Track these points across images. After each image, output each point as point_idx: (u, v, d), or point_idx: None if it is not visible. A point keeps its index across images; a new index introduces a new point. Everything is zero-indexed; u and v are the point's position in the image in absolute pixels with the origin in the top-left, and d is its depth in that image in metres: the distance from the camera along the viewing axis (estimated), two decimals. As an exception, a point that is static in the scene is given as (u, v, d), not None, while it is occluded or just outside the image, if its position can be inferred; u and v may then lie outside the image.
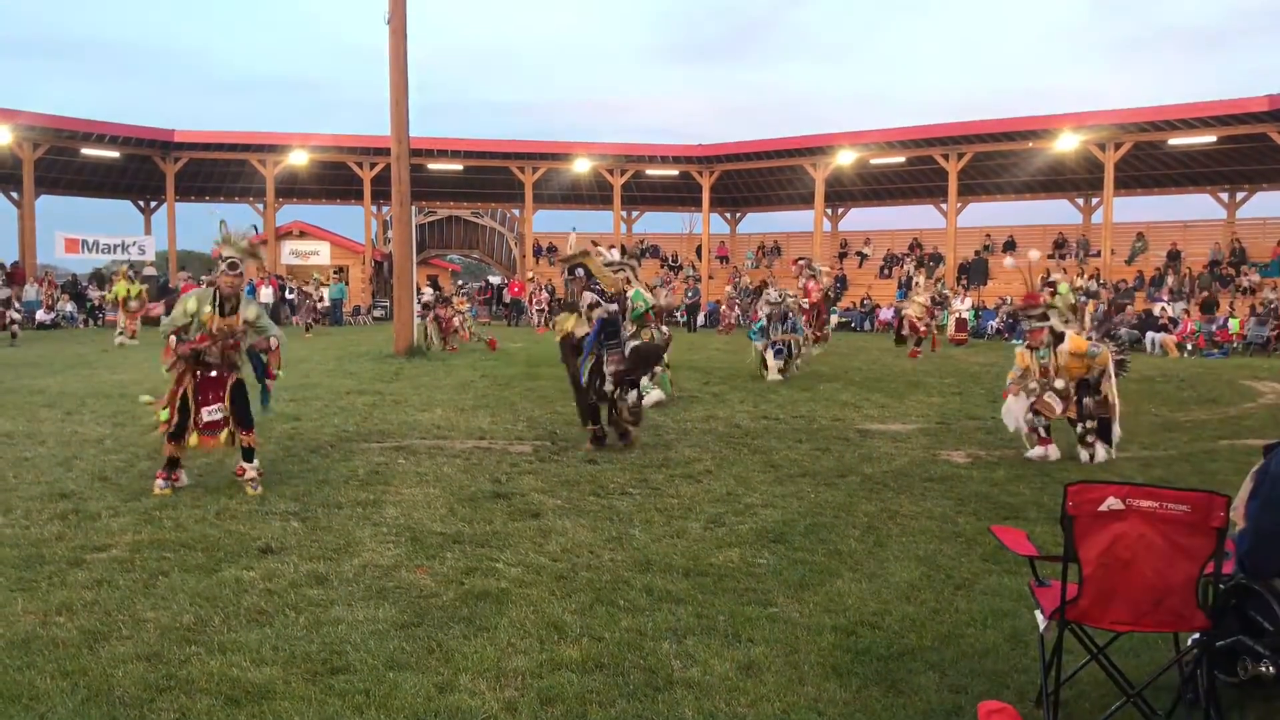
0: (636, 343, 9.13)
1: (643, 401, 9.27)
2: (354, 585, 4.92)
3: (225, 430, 7.06)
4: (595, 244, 9.77)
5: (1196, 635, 3.37)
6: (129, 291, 22.16)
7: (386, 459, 8.20)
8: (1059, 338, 8.49)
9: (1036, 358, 8.58)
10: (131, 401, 11.39)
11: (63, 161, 34.13)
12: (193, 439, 6.99)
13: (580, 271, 9.28)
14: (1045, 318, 8.56)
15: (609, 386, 8.79)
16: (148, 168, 35.56)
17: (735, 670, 3.92)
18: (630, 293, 10.33)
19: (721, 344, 22.95)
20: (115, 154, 33.88)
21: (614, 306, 8.99)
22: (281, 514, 6.31)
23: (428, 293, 22.37)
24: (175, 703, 3.59)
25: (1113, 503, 3.18)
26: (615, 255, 11.01)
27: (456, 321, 21.20)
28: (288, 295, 32.55)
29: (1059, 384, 8.42)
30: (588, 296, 8.99)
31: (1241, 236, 30.62)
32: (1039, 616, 3.55)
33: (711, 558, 5.45)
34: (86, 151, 33.20)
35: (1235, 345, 23.65)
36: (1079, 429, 8.53)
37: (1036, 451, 8.55)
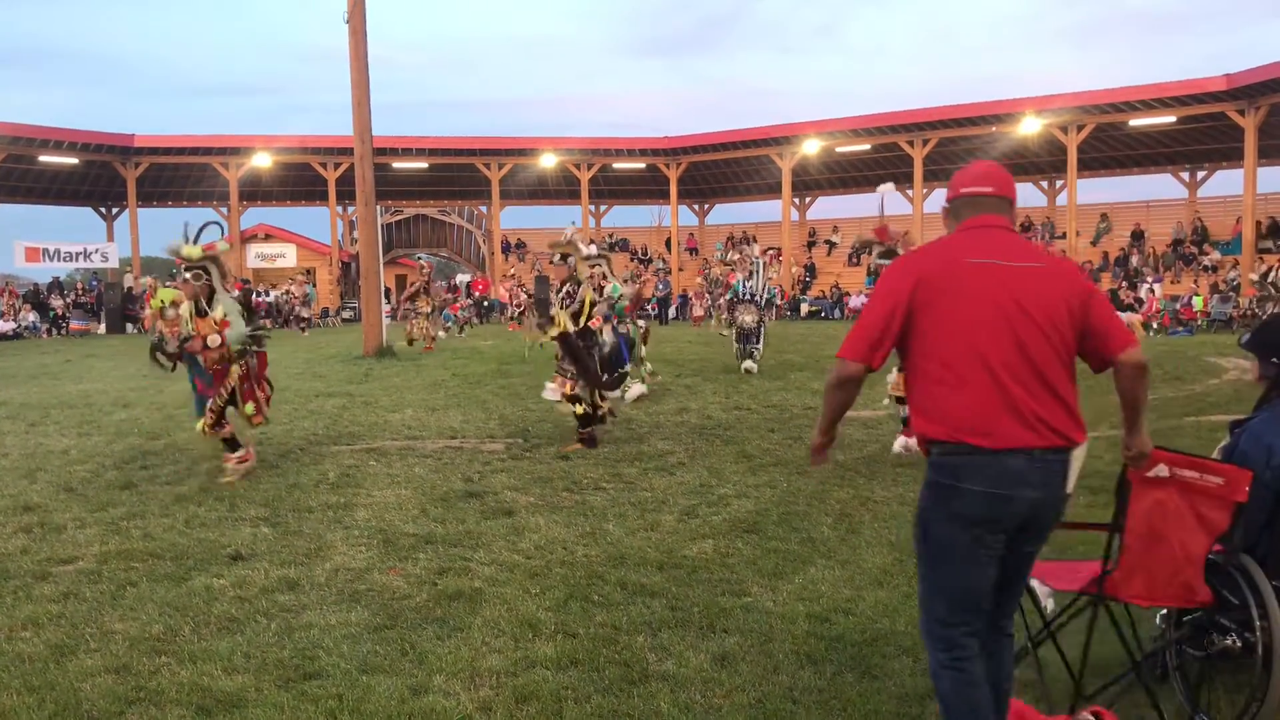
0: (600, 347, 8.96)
1: (624, 397, 9.23)
2: (326, 589, 4.88)
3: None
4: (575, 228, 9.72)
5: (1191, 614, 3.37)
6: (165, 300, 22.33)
7: (357, 461, 8.15)
8: None
9: None
10: (98, 411, 11.26)
11: (20, 169, 33.61)
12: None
13: (572, 260, 9.13)
14: (893, 254, 8.11)
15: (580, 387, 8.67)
16: (108, 173, 35.09)
17: (710, 661, 3.92)
18: (608, 288, 10.31)
19: (694, 336, 22.96)
20: (74, 160, 33.40)
21: (603, 306, 9.01)
22: (251, 520, 6.25)
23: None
24: (145, 715, 3.55)
25: (1161, 469, 3.11)
26: (594, 249, 10.93)
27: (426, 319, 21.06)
28: (254, 299, 32.35)
29: None
30: (599, 304, 8.93)
31: (1203, 215, 31.01)
32: (1039, 588, 3.43)
33: (685, 550, 5.46)
34: (45, 158, 32.70)
35: (1200, 323, 23.99)
36: None
37: (901, 444, 8.10)
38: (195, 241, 7.36)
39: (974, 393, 2.75)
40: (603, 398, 8.88)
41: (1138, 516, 3.12)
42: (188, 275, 7.30)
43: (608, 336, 9.29)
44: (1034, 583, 3.39)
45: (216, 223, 7.65)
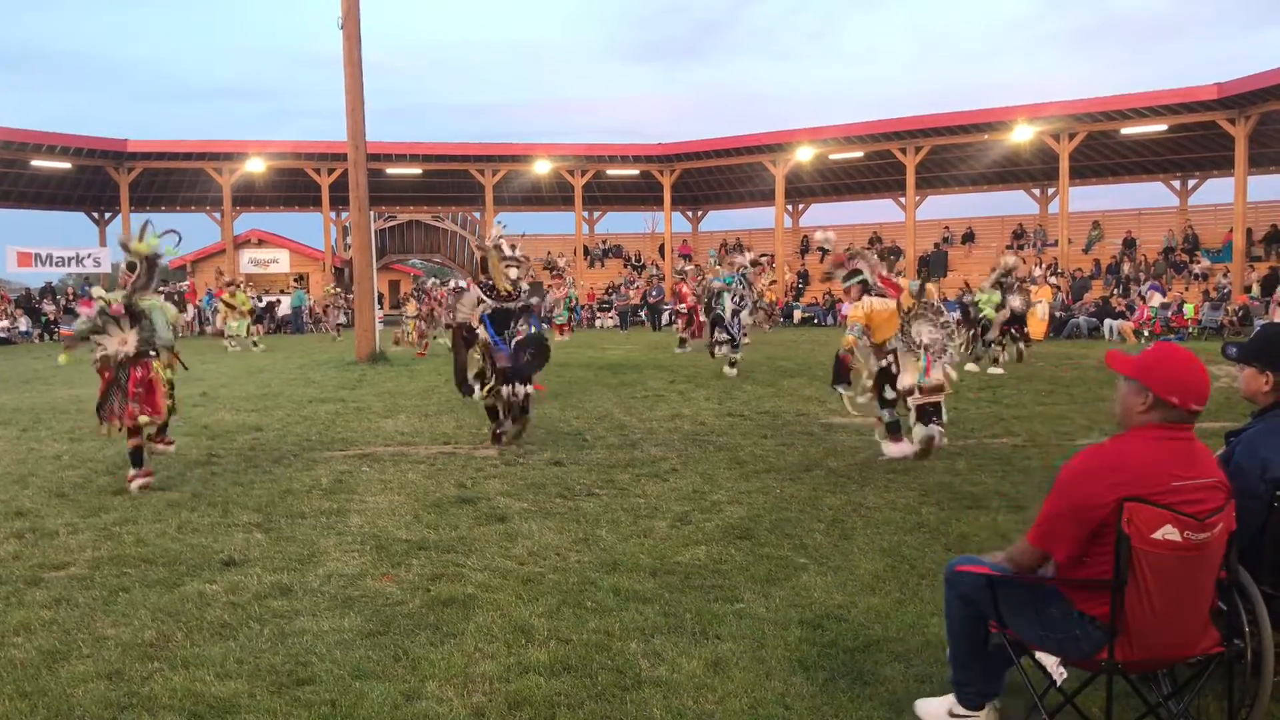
0: (519, 338, 8.98)
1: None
2: (319, 595, 4.87)
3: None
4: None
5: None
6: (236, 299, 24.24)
7: (350, 467, 8.14)
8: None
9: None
10: (90, 417, 11.23)
11: (13, 174, 33.57)
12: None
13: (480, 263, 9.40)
14: (858, 272, 8.42)
15: (502, 383, 8.88)
16: (101, 178, 35.05)
17: (703, 668, 3.93)
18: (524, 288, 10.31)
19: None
20: (67, 165, 33.34)
21: (514, 303, 9.09)
22: (244, 525, 6.25)
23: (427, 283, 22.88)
24: (138, 720, 3.55)
25: (1169, 531, 2.85)
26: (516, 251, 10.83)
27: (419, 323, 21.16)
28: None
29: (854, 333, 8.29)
30: (474, 292, 9.07)
31: (1194, 223, 31.15)
32: (1049, 663, 3.19)
33: (678, 556, 5.46)
34: (37, 163, 32.64)
35: (1191, 330, 24.09)
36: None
37: (893, 449, 8.15)
38: (142, 239, 7.59)
39: None
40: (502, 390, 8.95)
41: (1145, 574, 2.85)
42: (132, 270, 7.50)
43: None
44: (1040, 655, 3.21)
45: (173, 230, 7.93)
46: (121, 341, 7.36)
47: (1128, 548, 2.83)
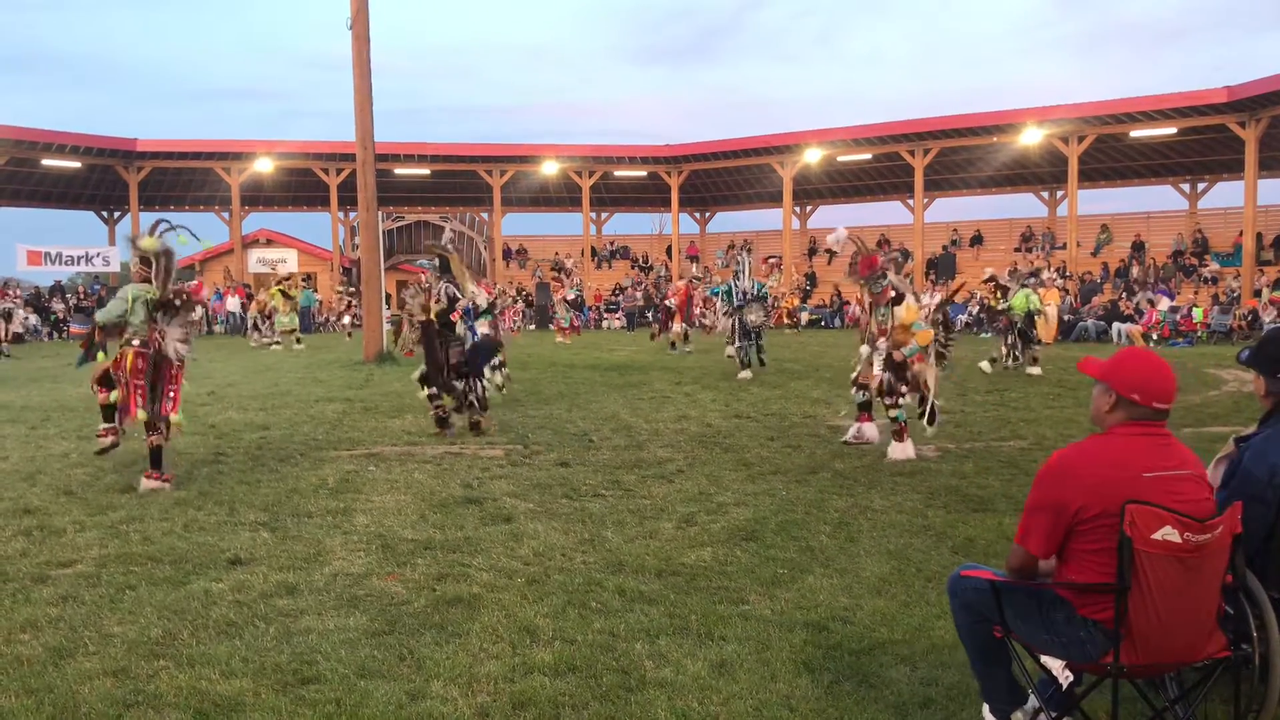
0: (475, 339, 10.05)
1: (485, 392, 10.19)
2: (324, 594, 4.88)
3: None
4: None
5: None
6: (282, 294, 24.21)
7: (357, 467, 8.15)
8: (899, 299, 8.43)
9: (876, 316, 8.63)
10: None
11: (23, 173, 33.70)
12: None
13: (437, 263, 10.12)
14: (885, 277, 8.60)
15: (455, 379, 9.89)
16: (110, 177, 35.16)
17: (708, 669, 3.92)
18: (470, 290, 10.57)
19: (694, 343, 22.94)
20: (77, 164, 33.46)
21: (468, 303, 9.96)
22: (251, 524, 6.26)
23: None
24: (143, 718, 3.55)
25: (1170, 533, 2.84)
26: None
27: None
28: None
29: (881, 344, 8.49)
30: (447, 289, 9.84)
31: (1203, 227, 31.06)
32: (1054, 667, 3.15)
33: (684, 557, 5.46)
34: (47, 162, 32.77)
35: (1200, 334, 24.02)
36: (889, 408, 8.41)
37: (900, 450, 8.31)
38: (154, 235, 7.63)
39: None
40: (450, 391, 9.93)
41: (1147, 577, 2.83)
42: (138, 263, 7.52)
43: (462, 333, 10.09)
44: (1045, 659, 3.17)
45: (186, 228, 8.00)
46: (160, 336, 7.40)
47: (1130, 551, 2.83)
